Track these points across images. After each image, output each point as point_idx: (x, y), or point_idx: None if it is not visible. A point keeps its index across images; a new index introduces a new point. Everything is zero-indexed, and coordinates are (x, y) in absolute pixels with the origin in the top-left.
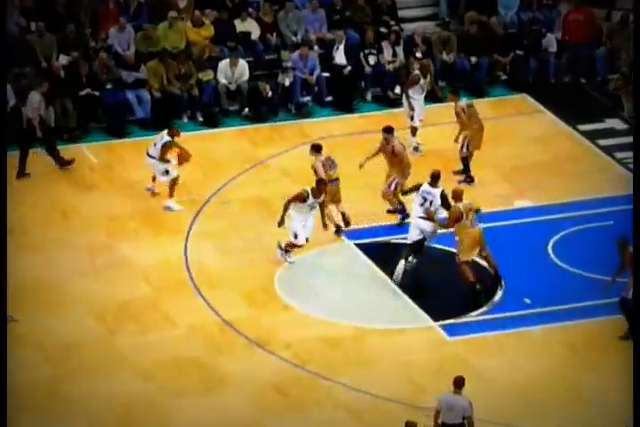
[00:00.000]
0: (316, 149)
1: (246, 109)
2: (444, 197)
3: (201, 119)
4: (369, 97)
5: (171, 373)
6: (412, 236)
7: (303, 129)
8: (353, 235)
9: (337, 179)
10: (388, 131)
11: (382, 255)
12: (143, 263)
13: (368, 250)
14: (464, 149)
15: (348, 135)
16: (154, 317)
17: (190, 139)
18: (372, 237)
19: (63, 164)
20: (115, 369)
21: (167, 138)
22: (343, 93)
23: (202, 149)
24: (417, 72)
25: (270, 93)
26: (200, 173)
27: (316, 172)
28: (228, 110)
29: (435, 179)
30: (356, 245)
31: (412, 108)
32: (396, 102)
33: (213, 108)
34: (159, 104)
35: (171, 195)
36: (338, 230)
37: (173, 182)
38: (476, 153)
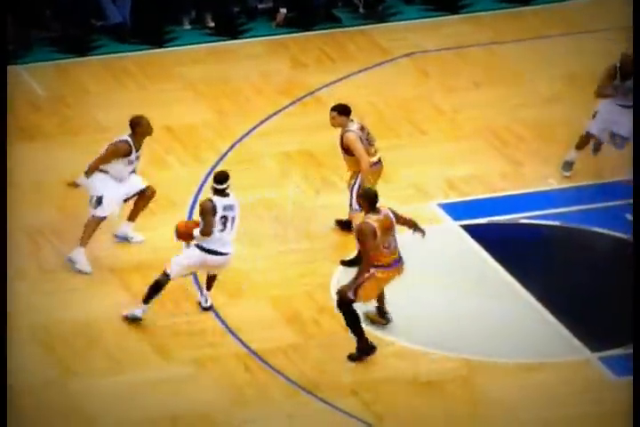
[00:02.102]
0: (344, 111)
1: (283, 9)
2: None
3: (212, 24)
4: None
5: None
6: None
7: (377, 40)
8: (457, 210)
9: (379, 161)
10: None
11: (503, 243)
12: (119, 260)
13: (481, 234)
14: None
15: (451, 50)
16: (137, 346)
17: (195, 56)
18: (488, 214)
19: None
20: None
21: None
22: None
23: (214, 72)
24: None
25: None
26: (211, 111)
27: (347, 150)
28: (255, 9)
29: None
30: (463, 227)
31: None
32: None
33: (231, 7)
34: (144, 0)
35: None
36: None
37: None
38: None
